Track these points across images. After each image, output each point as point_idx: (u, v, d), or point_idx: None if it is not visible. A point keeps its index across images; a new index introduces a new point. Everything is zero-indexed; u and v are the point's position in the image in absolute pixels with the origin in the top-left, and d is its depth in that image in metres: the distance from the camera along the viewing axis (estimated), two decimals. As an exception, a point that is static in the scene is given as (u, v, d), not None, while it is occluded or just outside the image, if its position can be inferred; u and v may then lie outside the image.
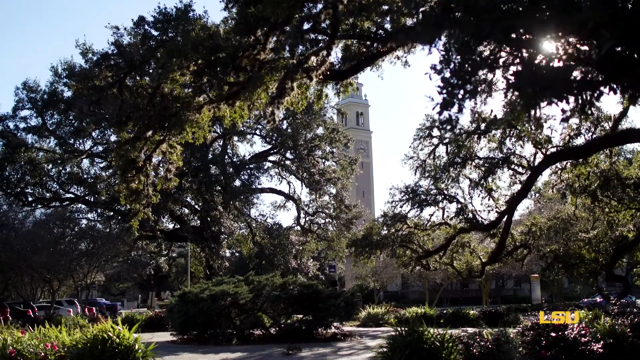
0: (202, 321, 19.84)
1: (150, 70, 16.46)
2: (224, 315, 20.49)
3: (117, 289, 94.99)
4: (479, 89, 5.23)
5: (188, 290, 21.82)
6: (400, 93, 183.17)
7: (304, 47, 12.37)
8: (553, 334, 11.59)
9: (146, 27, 15.71)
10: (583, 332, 11.71)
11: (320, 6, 11.69)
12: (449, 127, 5.21)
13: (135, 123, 16.77)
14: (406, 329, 11.41)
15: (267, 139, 48.26)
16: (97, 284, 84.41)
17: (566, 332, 11.63)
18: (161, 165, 20.94)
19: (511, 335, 12.15)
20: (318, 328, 20.86)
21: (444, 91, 5.08)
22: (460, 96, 5.04)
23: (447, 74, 5.09)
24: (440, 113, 5.22)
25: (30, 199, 46.29)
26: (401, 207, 29.40)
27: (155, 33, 15.86)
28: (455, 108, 5.16)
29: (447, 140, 28.52)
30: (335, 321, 21.44)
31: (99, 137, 44.62)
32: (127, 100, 16.71)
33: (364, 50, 16.52)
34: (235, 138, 48.51)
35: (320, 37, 13.38)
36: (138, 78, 16.75)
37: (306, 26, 12.75)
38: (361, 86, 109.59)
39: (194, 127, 17.19)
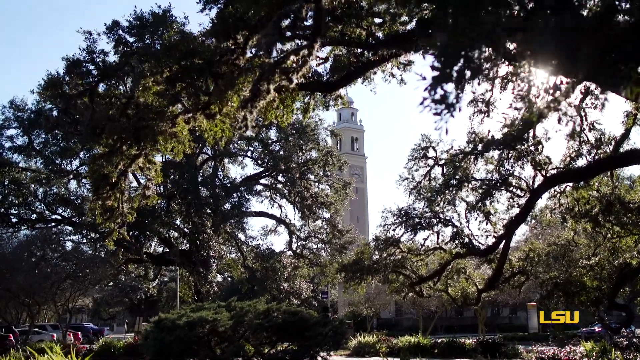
0: (178, 350, 18.50)
1: (125, 79, 15.33)
2: (203, 343, 19.14)
3: (107, 314, 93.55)
4: (484, 63, 4.09)
5: (164, 316, 20.42)
6: (396, 120, 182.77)
7: (283, 48, 11.32)
8: (560, 371, 10.33)
9: (120, 32, 14.62)
10: (594, 368, 10.45)
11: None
12: (443, 109, 4.00)
13: (108, 135, 15.58)
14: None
15: (259, 162, 47.29)
16: (87, 308, 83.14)
17: (575, 369, 10.37)
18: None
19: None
20: (303, 359, 19.52)
21: (440, 60, 3.91)
22: (458, 68, 3.89)
23: (444, 39, 3.92)
24: (432, 89, 4.02)
25: (14, 220, 45.01)
26: (394, 230, 28.11)
27: (130, 39, 14.77)
28: (451, 86, 3.99)
29: (443, 162, 27.49)
30: (322, 351, 20.11)
31: (86, 157, 43.42)
32: (99, 110, 15.57)
33: (354, 60, 15.47)
34: (227, 160, 47.53)
35: (303, 45, 12.33)
36: (111, 86, 15.63)
37: (287, 32, 11.73)
38: (356, 111, 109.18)
39: (172, 141, 16.03)
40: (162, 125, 13.98)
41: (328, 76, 16.13)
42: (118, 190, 17.23)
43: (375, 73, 16.86)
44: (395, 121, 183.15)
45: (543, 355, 11.00)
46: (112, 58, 15.30)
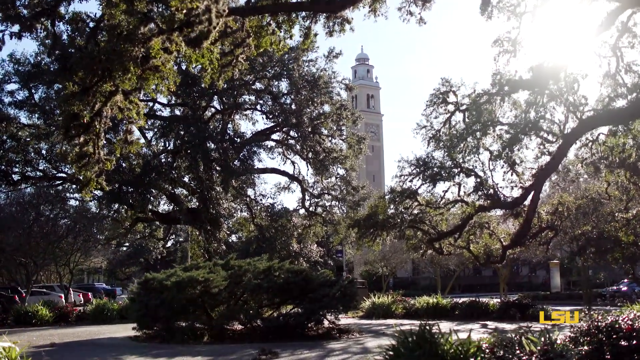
0: (166, 314, 16.48)
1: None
2: (196, 306, 17.10)
3: (123, 274, 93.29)
4: None
5: (152, 276, 18.28)
6: (414, 76, 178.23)
7: None
8: (624, 343, 8.04)
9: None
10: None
11: None
12: None
13: (77, 68, 13.29)
14: (416, 330, 8.08)
15: (269, 116, 44.95)
16: (102, 269, 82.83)
17: (643, 341, 8.07)
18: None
19: (558, 341, 8.64)
20: (308, 323, 17.43)
21: None
22: None
23: None
24: None
25: (16, 177, 43.25)
26: (411, 181, 25.66)
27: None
28: None
29: (464, 107, 24.97)
30: (329, 314, 18.01)
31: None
32: (62, 37, 13.30)
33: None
34: (237, 117, 45.31)
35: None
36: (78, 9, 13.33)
37: None
38: (372, 68, 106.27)
39: (155, 76, 13.75)
40: (133, 50, 11.71)
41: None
42: (93, 133, 15.06)
43: (387, -7, 14.42)
44: (413, 78, 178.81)
45: (599, 323, 8.63)
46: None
